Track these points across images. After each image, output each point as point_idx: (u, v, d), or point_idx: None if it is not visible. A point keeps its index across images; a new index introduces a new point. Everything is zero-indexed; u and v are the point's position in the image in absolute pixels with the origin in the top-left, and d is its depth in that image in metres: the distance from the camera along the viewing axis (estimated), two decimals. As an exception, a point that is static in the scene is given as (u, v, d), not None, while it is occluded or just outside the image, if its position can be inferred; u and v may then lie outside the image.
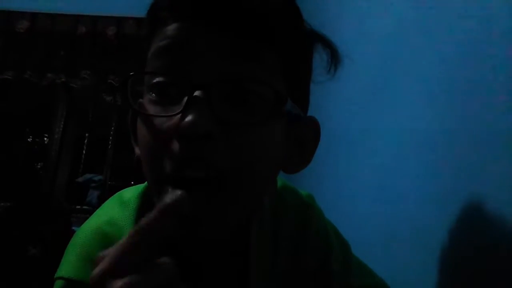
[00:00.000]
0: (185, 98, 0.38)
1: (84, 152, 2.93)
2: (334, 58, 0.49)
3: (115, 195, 0.58)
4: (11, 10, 2.88)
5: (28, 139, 3.01)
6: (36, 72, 2.77)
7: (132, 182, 2.80)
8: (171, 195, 0.33)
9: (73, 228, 1.85)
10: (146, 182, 0.53)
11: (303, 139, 0.47)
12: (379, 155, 0.77)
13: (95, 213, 0.56)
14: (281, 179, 0.55)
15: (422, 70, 0.60)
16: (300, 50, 0.46)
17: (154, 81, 0.41)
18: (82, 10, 2.92)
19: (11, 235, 1.46)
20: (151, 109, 0.41)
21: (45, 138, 3.01)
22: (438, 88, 0.55)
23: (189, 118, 0.37)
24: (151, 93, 0.41)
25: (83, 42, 2.86)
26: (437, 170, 0.53)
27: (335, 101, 1.19)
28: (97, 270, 0.31)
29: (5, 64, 2.79)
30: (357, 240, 0.86)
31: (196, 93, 0.37)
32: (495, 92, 0.42)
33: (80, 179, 2.75)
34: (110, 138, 2.90)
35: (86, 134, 2.99)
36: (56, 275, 0.49)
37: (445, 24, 0.54)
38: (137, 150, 0.46)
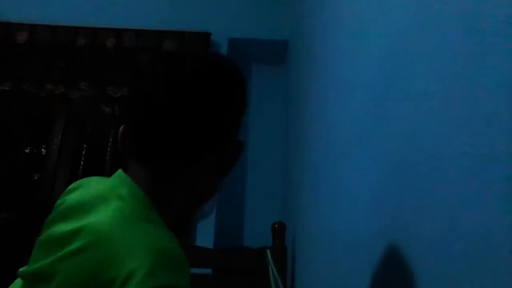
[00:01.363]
0: None
1: (82, 163, 2.93)
2: None
3: (129, 215, 0.61)
4: (11, 21, 2.90)
5: (26, 150, 3.00)
6: (34, 83, 2.78)
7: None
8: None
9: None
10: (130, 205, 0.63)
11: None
12: (376, 164, 0.77)
13: (150, 233, 0.59)
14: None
15: (420, 81, 0.60)
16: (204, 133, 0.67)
17: None
18: (81, 22, 2.94)
19: (8, 246, 1.44)
20: None
21: (43, 149, 3.00)
22: (436, 99, 0.55)
23: None
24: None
25: (82, 54, 2.87)
26: (434, 181, 0.53)
27: (333, 109, 1.19)
28: None
29: (4, 75, 2.79)
30: (355, 247, 0.86)
31: None
32: (495, 105, 0.42)
33: (77, 190, 2.74)
34: (108, 149, 2.90)
35: (84, 145, 2.98)
36: (174, 285, 0.53)
37: (443, 37, 0.55)
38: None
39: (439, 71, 0.55)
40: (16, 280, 0.67)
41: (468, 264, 0.44)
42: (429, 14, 0.59)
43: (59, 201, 0.71)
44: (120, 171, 0.69)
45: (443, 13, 0.55)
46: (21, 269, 0.65)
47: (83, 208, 0.63)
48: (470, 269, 0.44)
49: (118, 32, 2.89)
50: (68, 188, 0.74)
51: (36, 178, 2.94)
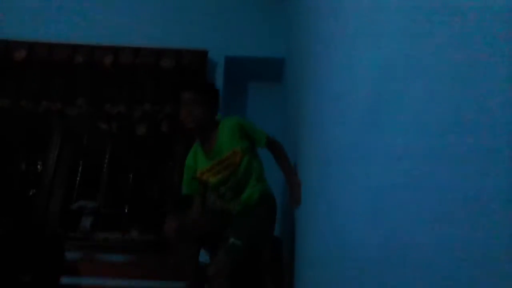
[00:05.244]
0: None
1: (78, 179, 2.92)
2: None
3: None
4: (9, 39, 2.93)
5: (22, 166, 3.00)
6: (32, 100, 2.79)
7: (126, 210, 2.78)
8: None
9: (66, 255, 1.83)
10: None
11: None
12: (372, 179, 0.78)
13: None
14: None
15: (414, 94, 0.62)
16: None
17: None
18: (79, 40, 2.97)
19: (3, 262, 1.43)
20: None
21: (39, 165, 2.99)
22: (428, 118, 0.56)
23: None
24: None
25: (79, 71, 2.89)
26: (428, 197, 0.54)
27: (329, 124, 1.20)
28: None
29: (1, 92, 2.80)
30: (353, 261, 0.86)
31: None
32: (485, 123, 0.43)
33: (73, 206, 2.73)
34: (105, 165, 2.90)
35: (81, 162, 2.98)
36: None
37: (433, 57, 0.56)
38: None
39: (432, 84, 0.56)
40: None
41: (468, 271, 0.45)
42: (420, 27, 0.61)
43: None
44: None
45: (434, 24, 0.57)
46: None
47: None
48: (470, 276, 0.44)
49: (115, 50, 2.92)
50: None
51: (31, 193, 2.93)
